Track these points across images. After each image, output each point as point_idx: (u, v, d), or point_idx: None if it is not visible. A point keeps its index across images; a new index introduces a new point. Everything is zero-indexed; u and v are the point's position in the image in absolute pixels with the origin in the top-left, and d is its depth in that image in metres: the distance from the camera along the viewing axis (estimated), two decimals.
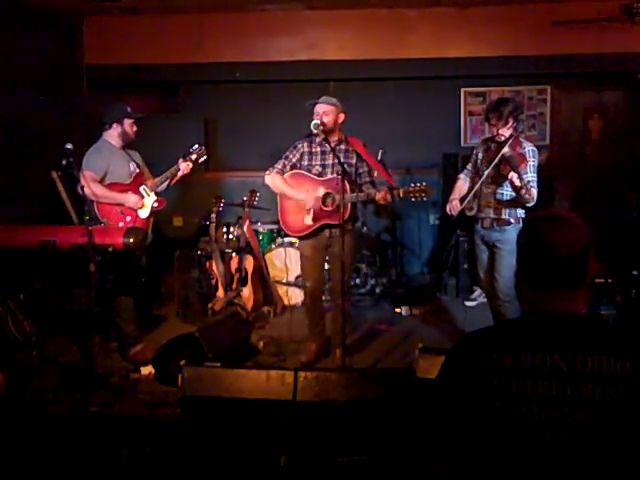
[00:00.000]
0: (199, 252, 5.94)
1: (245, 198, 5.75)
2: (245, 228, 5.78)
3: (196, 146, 5.00)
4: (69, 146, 4.38)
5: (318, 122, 4.18)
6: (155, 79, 7.35)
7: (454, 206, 4.44)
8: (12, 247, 4.39)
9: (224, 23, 6.95)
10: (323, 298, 4.82)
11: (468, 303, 6.08)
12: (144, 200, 4.73)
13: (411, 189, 4.17)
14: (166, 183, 4.88)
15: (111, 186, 4.65)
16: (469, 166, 4.62)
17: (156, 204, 4.80)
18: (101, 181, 4.62)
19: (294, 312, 5.57)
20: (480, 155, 4.50)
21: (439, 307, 6.02)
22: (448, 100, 7.22)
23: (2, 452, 3.20)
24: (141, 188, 4.75)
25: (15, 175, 4.78)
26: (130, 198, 4.65)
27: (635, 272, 5.08)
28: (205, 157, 5.05)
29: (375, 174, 4.71)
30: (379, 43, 6.84)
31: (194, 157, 4.95)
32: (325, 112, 4.25)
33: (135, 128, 4.77)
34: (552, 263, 1.53)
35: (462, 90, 7.22)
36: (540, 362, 1.47)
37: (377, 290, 6.36)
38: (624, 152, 7.08)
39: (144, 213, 4.74)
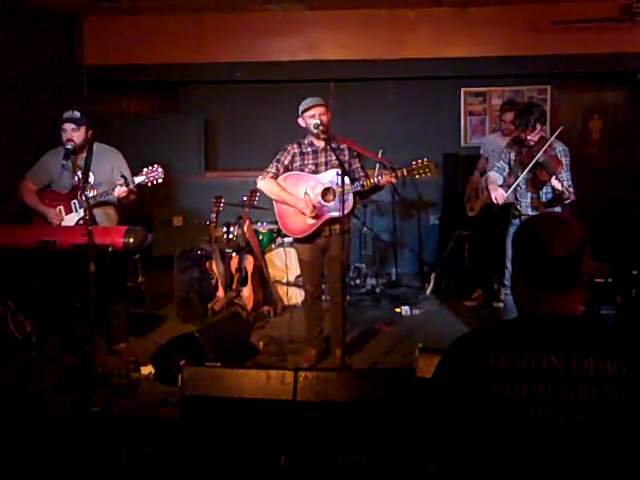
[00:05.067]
0: (199, 252, 5.94)
1: (245, 198, 5.75)
2: (245, 228, 5.77)
3: (154, 166, 4.50)
4: (69, 146, 4.39)
5: (318, 122, 4.24)
6: (155, 79, 7.36)
7: (500, 195, 4.45)
8: (12, 247, 4.39)
9: (224, 23, 6.96)
10: (323, 298, 4.83)
11: (468, 303, 6.08)
12: (69, 215, 4.56)
13: (414, 166, 4.20)
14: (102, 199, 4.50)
15: (46, 194, 4.61)
16: (501, 164, 4.64)
17: (82, 222, 4.47)
18: (48, 185, 4.60)
19: (294, 312, 5.56)
20: (513, 156, 4.56)
21: (439, 307, 6.02)
22: (448, 100, 7.23)
23: (2, 452, 3.20)
24: (73, 202, 4.55)
25: (15, 175, 4.79)
26: (51, 214, 4.56)
27: (635, 272, 5.07)
28: (160, 180, 4.51)
29: (375, 172, 4.72)
30: (379, 43, 6.85)
31: (140, 179, 4.46)
32: (321, 113, 4.29)
33: (69, 135, 4.41)
34: (547, 263, 1.53)
35: (462, 90, 7.23)
36: (536, 363, 1.46)
37: (377, 290, 6.36)
38: (624, 152, 7.07)
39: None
